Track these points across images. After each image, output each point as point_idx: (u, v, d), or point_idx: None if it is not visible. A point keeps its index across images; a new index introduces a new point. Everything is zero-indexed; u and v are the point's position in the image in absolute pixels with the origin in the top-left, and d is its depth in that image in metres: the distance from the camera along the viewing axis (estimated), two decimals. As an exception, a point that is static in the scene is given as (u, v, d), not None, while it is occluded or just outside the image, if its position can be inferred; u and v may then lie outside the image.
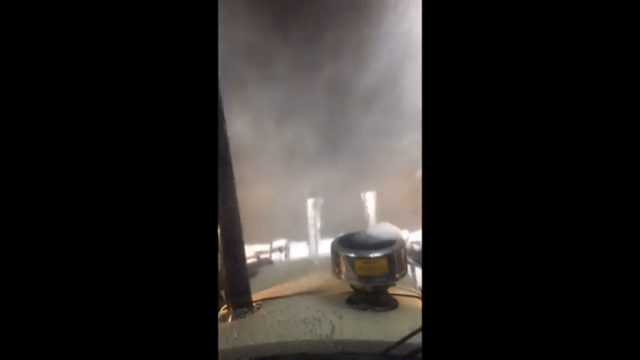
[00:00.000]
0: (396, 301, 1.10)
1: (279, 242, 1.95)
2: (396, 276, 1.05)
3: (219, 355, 0.58)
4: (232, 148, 1.08)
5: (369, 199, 1.95)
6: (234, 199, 1.08)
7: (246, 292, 1.11)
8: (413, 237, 1.79)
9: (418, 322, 0.77)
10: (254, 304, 1.12)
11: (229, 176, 1.06)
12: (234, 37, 1.56)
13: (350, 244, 1.10)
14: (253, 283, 1.25)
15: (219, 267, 1.08)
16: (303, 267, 1.55)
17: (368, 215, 1.95)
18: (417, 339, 0.76)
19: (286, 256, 1.95)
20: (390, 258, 1.03)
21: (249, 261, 1.34)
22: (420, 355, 0.73)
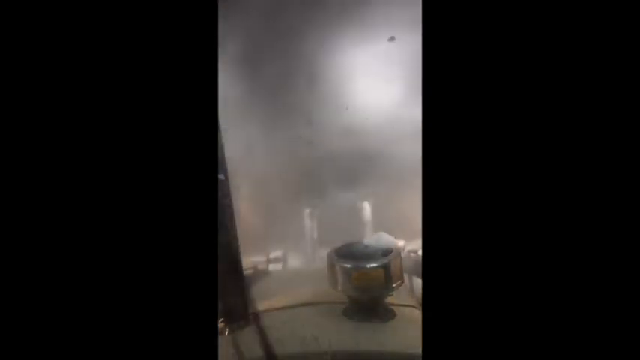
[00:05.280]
0: (393, 311, 1.09)
1: (276, 252, 1.94)
2: (393, 286, 1.04)
3: None
4: (228, 157, 1.08)
5: (366, 208, 1.95)
6: (230, 208, 1.08)
7: (243, 305, 1.10)
8: (410, 246, 1.79)
9: (416, 333, 0.77)
10: (250, 316, 1.11)
11: (225, 185, 1.06)
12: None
13: (346, 254, 1.09)
14: (250, 294, 1.24)
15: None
16: (300, 278, 1.54)
17: (365, 225, 1.95)
18: (416, 349, 0.76)
19: (283, 266, 1.94)
20: (386, 268, 1.02)
21: (245, 272, 1.33)
22: None
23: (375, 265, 1.02)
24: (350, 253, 1.09)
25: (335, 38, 1.65)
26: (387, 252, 1.07)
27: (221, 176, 1.03)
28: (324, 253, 1.18)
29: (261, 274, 1.78)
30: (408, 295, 1.27)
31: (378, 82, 1.69)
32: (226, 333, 1.05)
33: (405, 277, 1.24)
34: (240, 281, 1.10)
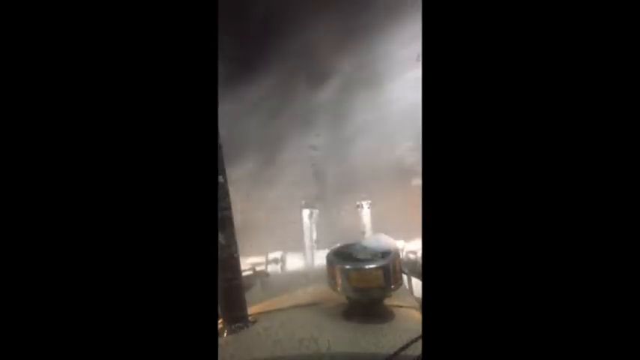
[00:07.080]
0: (392, 312, 1.10)
1: (275, 254, 1.94)
2: (392, 287, 1.04)
3: None
4: (227, 159, 1.08)
5: (365, 209, 1.95)
6: (229, 210, 1.08)
7: (242, 306, 1.10)
8: (408, 247, 1.79)
9: (415, 333, 0.77)
10: (250, 317, 1.11)
11: (224, 187, 1.06)
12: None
13: (345, 255, 1.09)
14: (249, 295, 1.24)
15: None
16: (299, 279, 1.54)
17: (364, 226, 1.95)
18: (413, 350, 0.76)
19: (282, 267, 1.95)
20: (385, 269, 1.02)
21: (244, 273, 1.33)
22: None
23: (373, 266, 1.02)
24: (349, 255, 1.09)
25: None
26: (385, 253, 1.07)
27: (220, 178, 1.04)
28: (323, 254, 1.18)
29: (260, 275, 1.78)
30: (406, 296, 1.27)
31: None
32: (225, 334, 1.04)
33: (404, 278, 1.25)
34: (238, 282, 1.10)
